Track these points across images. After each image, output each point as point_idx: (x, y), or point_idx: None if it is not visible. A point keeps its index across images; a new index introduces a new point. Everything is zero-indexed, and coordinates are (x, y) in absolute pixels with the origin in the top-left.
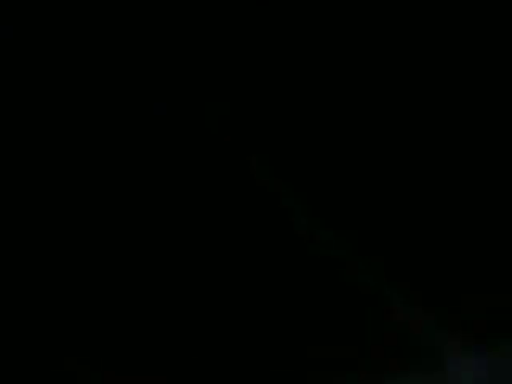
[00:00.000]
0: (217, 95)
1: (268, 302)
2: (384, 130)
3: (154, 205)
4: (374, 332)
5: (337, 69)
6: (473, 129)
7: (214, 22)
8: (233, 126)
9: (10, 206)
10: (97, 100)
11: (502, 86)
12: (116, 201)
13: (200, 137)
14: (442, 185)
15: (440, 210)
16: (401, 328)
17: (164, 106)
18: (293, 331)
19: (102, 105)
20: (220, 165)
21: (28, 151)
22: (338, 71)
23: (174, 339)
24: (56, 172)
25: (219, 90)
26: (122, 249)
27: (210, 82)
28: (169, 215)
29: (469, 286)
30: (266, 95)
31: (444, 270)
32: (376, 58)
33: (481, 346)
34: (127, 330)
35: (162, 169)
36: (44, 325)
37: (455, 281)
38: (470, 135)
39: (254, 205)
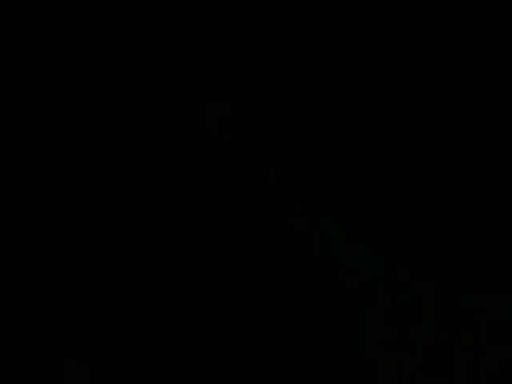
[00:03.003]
0: (217, 95)
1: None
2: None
3: (153, 204)
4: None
5: (337, 69)
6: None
7: (213, 22)
8: (233, 126)
9: (9, 206)
10: (97, 100)
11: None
12: (116, 201)
13: (200, 137)
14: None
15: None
16: None
17: (164, 106)
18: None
19: (102, 105)
20: (220, 165)
21: (28, 151)
22: (338, 71)
23: (173, 339)
24: (55, 172)
25: (219, 90)
26: (122, 249)
27: (210, 82)
28: (169, 215)
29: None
30: (266, 95)
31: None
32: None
33: None
34: (127, 330)
35: (162, 169)
36: (44, 325)
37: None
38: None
39: (253, 204)
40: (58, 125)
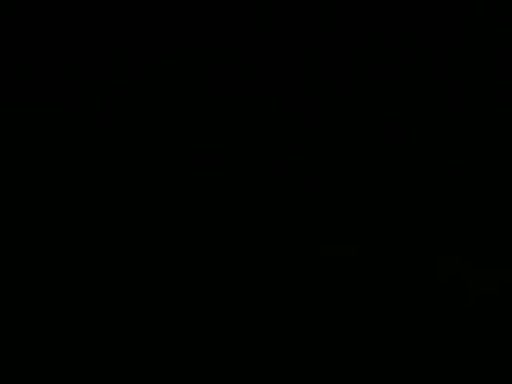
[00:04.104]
0: (217, 93)
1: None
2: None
3: (152, 206)
4: None
5: (334, 67)
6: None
7: (212, 23)
8: (233, 125)
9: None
10: (96, 99)
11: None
12: (115, 201)
13: (200, 136)
14: None
15: None
16: None
17: (162, 104)
18: None
19: (101, 104)
20: (220, 165)
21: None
22: (336, 70)
23: (174, 338)
24: (56, 171)
25: (219, 88)
26: (122, 249)
27: (210, 81)
28: (168, 216)
29: None
30: (265, 95)
31: None
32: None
33: None
34: (127, 330)
35: (162, 169)
36: (44, 324)
37: None
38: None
39: (254, 205)
40: (59, 124)
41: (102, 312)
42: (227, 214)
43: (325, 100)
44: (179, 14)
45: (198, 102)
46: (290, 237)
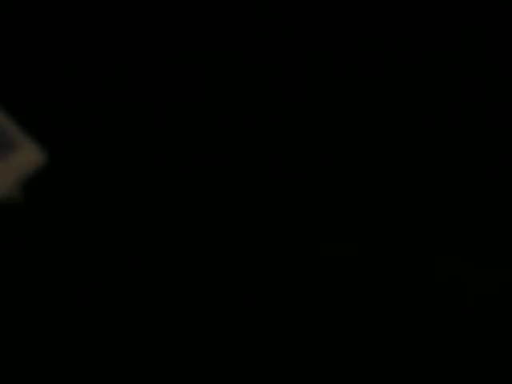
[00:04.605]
0: (216, 94)
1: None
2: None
3: (151, 208)
4: None
5: (334, 68)
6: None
7: (212, 23)
8: (234, 123)
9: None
10: (95, 99)
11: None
12: (115, 201)
13: (200, 136)
14: None
15: None
16: None
17: (162, 104)
18: None
19: (100, 104)
20: (220, 165)
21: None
22: (334, 70)
23: (174, 338)
24: (58, 173)
25: (218, 86)
26: (121, 250)
27: (209, 80)
28: (168, 216)
29: None
30: (264, 95)
31: None
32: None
33: None
34: (127, 329)
35: (162, 169)
36: (44, 324)
37: None
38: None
39: (254, 205)
40: (58, 124)
41: (102, 312)
42: (227, 214)
43: (325, 100)
44: (179, 14)
45: (197, 101)
46: (289, 237)
